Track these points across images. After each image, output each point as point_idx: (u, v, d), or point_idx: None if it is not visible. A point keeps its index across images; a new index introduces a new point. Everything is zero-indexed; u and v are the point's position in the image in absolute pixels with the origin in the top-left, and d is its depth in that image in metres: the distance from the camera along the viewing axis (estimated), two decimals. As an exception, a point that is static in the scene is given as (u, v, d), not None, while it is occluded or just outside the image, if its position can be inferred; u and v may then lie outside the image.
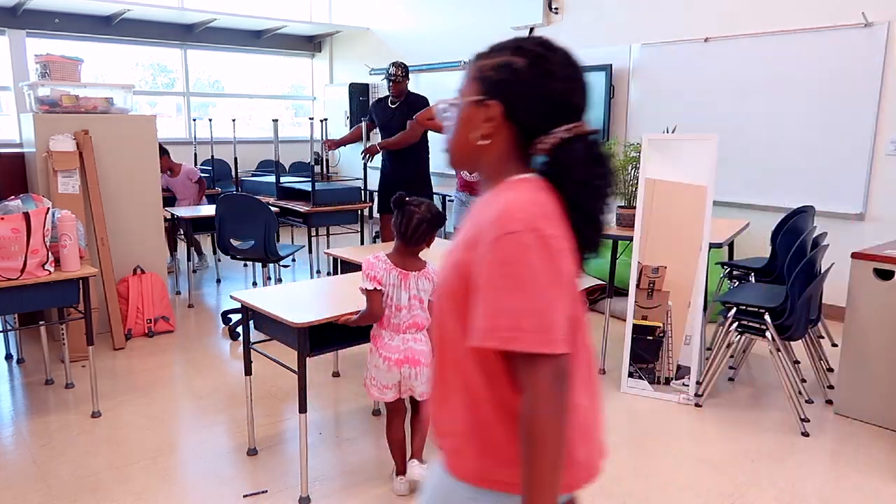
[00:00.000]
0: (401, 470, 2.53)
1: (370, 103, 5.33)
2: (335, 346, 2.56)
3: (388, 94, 5.20)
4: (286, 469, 2.72)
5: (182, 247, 6.09)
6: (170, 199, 6.04)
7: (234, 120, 6.80)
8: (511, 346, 0.99)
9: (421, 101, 5.17)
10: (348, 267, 3.34)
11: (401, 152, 5.11)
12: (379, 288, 2.31)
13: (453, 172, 7.65)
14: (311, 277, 6.03)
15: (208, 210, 5.40)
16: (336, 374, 3.73)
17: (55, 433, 3.01)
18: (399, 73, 5.11)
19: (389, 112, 5.22)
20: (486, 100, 1.10)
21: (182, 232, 5.35)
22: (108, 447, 2.89)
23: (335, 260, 3.50)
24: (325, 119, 7.40)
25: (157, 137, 4.53)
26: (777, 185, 5.00)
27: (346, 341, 2.57)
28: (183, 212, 5.27)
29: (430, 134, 5.14)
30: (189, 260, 5.42)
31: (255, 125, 9.25)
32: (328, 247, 6.56)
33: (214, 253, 6.39)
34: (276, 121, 5.86)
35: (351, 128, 8.77)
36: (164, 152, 5.89)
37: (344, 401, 3.40)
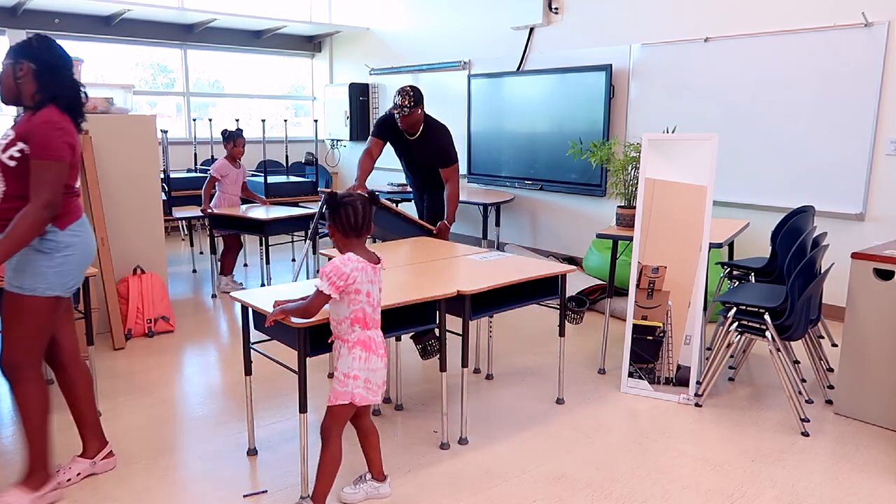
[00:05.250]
0: (381, 475, 2.56)
1: (377, 119, 4.33)
2: (335, 346, 2.55)
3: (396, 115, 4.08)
4: (286, 469, 2.72)
5: (183, 245, 6.11)
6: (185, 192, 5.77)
7: (237, 120, 6.79)
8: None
9: (444, 143, 4.14)
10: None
11: (428, 189, 4.36)
12: (337, 296, 2.21)
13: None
14: (309, 277, 6.03)
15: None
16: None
17: (55, 433, 3.00)
18: (408, 103, 3.94)
19: (406, 144, 4.23)
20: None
21: (187, 232, 5.30)
22: (108, 447, 2.89)
23: (329, 260, 3.49)
24: (317, 120, 7.41)
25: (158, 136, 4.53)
26: (777, 185, 5.00)
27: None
28: (185, 213, 5.26)
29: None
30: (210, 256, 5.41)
31: (255, 125, 9.24)
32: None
33: (214, 253, 6.40)
34: (263, 121, 5.88)
35: (350, 127, 8.79)
36: (239, 134, 5.45)
37: (344, 401, 3.40)
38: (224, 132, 5.49)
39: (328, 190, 2.69)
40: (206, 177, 5.76)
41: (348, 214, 2.26)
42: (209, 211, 5.24)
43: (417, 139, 4.19)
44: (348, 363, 2.27)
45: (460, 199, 6.60)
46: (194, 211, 5.67)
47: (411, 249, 3.61)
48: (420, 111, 4.07)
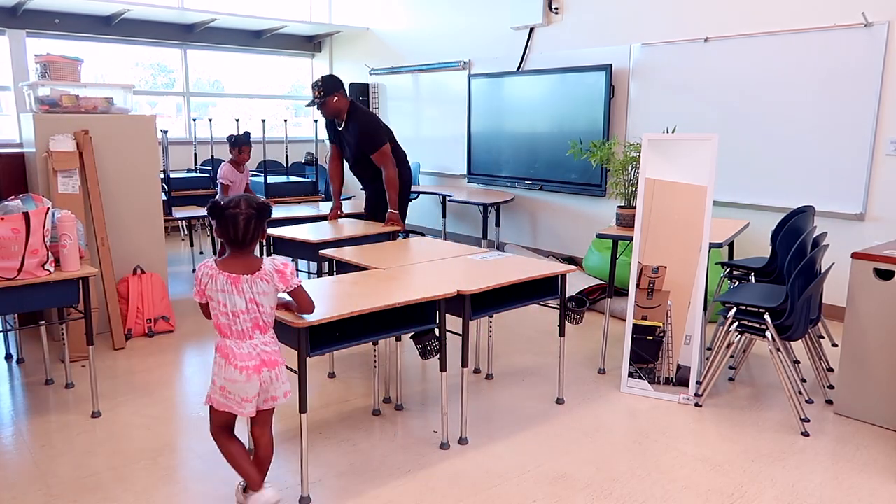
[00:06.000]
0: (258, 484, 2.37)
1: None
2: (335, 345, 2.55)
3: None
4: (286, 469, 2.72)
5: (183, 245, 6.10)
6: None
7: (237, 120, 6.78)
8: None
9: (365, 128, 4.23)
10: (347, 267, 3.34)
11: (367, 182, 4.47)
12: (204, 302, 2.29)
13: (454, 172, 7.65)
14: (309, 277, 6.03)
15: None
16: (332, 375, 3.73)
17: (55, 433, 3.01)
18: (318, 94, 4.11)
19: (340, 134, 4.38)
20: None
21: (187, 233, 5.30)
22: (108, 447, 2.89)
23: (331, 261, 3.50)
24: (317, 120, 7.40)
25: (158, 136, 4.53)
26: (777, 185, 5.00)
27: (346, 341, 2.57)
28: (185, 213, 5.26)
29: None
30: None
31: (256, 125, 9.24)
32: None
33: (214, 253, 6.41)
34: (263, 121, 5.89)
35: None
36: (244, 141, 5.23)
37: (344, 401, 3.40)
38: (230, 138, 5.28)
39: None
40: (206, 177, 5.79)
41: (227, 228, 2.21)
42: None
43: (344, 129, 4.27)
44: (213, 366, 2.29)
45: (461, 199, 6.68)
46: (194, 211, 5.66)
47: (411, 249, 3.61)
48: (336, 98, 4.16)
